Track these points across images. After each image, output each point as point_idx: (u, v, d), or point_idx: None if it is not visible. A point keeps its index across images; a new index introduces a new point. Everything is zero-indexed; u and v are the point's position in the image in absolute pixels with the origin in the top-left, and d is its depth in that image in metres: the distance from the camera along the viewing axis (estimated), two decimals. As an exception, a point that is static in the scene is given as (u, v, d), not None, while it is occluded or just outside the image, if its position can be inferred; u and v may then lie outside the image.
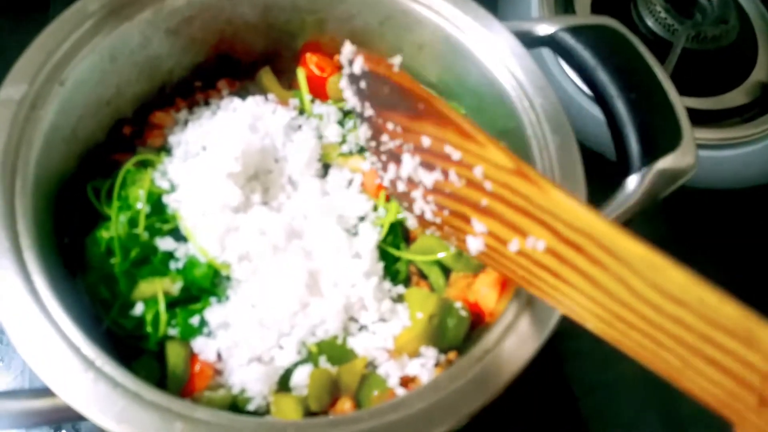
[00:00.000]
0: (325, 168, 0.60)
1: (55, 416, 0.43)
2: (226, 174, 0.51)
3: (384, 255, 0.56)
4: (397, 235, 0.57)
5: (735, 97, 0.85)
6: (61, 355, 0.41)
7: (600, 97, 0.56)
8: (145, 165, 0.54)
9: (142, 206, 0.51)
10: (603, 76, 0.56)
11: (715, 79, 0.85)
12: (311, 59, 0.62)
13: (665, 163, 0.53)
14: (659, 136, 0.55)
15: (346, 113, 0.62)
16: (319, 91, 0.62)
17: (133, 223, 0.50)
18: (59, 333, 0.42)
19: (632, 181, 0.53)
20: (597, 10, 0.87)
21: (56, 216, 0.51)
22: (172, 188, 0.53)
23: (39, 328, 0.42)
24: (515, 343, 0.44)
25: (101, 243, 0.50)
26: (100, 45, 0.51)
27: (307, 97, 0.61)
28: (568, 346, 0.73)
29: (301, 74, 0.61)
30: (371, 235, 0.54)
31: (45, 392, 0.42)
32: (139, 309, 0.50)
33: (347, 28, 0.60)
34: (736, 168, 0.82)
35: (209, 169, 0.51)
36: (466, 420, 0.42)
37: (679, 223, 0.82)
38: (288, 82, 0.63)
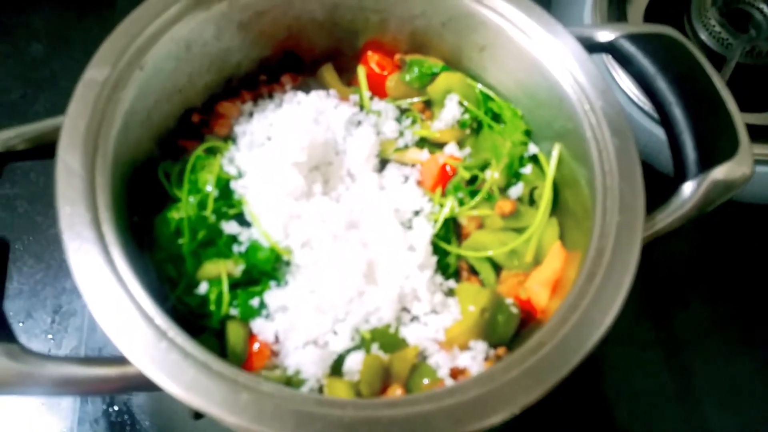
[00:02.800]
0: (382, 164, 0.61)
1: (123, 384, 0.45)
2: (291, 163, 0.53)
3: (436, 249, 0.57)
4: (449, 230, 0.58)
5: (788, 114, 0.84)
6: (135, 325, 0.43)
7: (658, 105, 0.57)
8: (213, 152, 0.57)
9: (211, 189, 0.53)
10: (662, 84, 0.56)
11: (768, 94, 0.85)
12: (372, 57, 0.64)
13: (721, 171, 0.53)
14: (716, 145, 0.55)
15: (404, 111, 0.64)
16: (378, 89, 0.64)
17: (201, 205, 0.53)
18: (134, 303, 0.44)
19: (688, 188, 0.54)
20: (650, 21, 0.87)
21: (128, 195, 0.54)
22: (240, 175, 0.56)
23: (115, 296, 0.43)
24: (570, 339, 0.44)
25: (171, 223, 0.52)
26: (178, 34, 0.54)
27: (366, 93, 0.63)
28: (606, 352, 0.74)
29: (361, 72, 0.64)
30: (426, 230, 0.56)
31: (116, 360, 0.44)
32: (203, 288, 0.52)
33: (409, 27, 0.62)
34: (786, 185, 0.81)
35: (276, 157, 0.54)
36: (519, 411, 0.43)
37: (723, 237, 0.82)
38: (348, 79, 0.65)
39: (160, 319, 0.43)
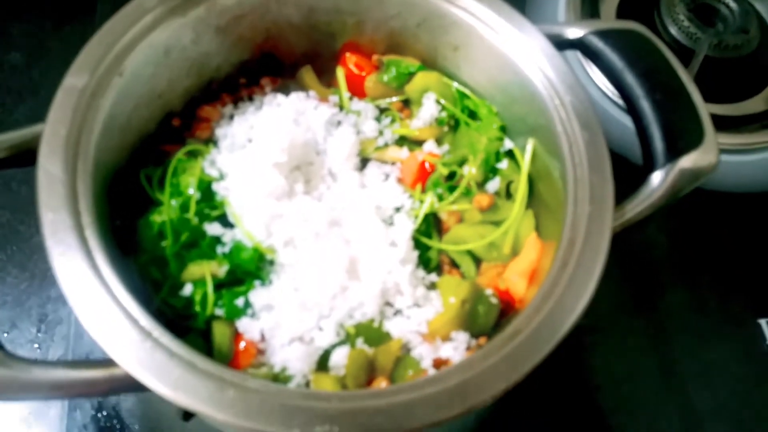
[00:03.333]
0: (363, 162, 0.63)
1: (111, 386, 0.45)
2: (272, 164, 0.54)
3: (417, 244, 0.58)
4: (430, 225, 0.60)
5: (754, 104, 0.87)
6: (120, 327, 0.43)
7: (627, 98, 0.59)
8: (194, 155, 0.57)
9: (193, 192, 0.54)
10: (630, 78, 0.58)
11: (735, 86, 0.87)
12: (350, 59, 0.65)
13: (688, 160, 0.55)
14: (683, 135, 0.56)
15: (383, 110, 0.66)
16: (356, 89, 0.65)
17: (184, 208, 0.54)
18: (118, 305, 0.44)
19: (656, 177, 0.55)
20: (621, 17, 0.89)
21: (109, 200, 0.54)
22: (221, 177, 0.56)
23: (100, 300, 0.44)
24: (545, 326, 0.46)
25: (154, 226, 0.53)
26: (156, 40, 0.54)
27: (345, 94, 0.64)
28: (590, 339, 0.76)
29: (340, 73, 0.65)
30: (407, 225, 0.57)
31: (103, 363, 0.45)
32: (188, 290, 0.52)
33: (385, 29, 0.63)
34: (754, 172, 0.84)
35: (257, 159, 0.55)
36: (499, 395, 0.44)
37: (698, 225, 0.84)
38: (327, 80, 0.66)
39: (145, 320, 0.44)
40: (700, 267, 0.82)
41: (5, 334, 0.76)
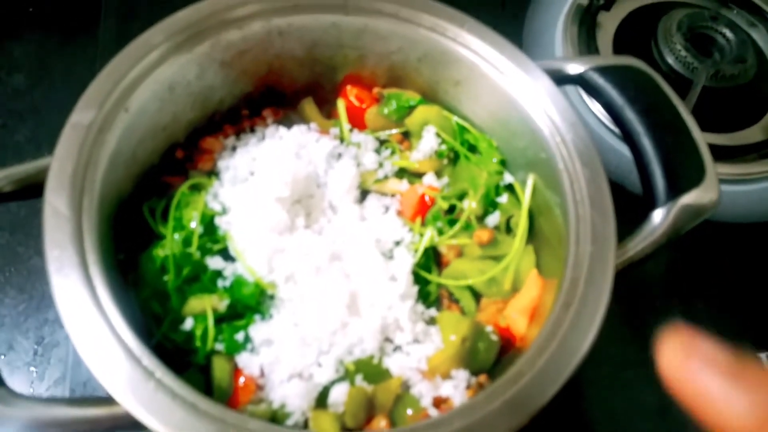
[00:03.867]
0: (363, 195, 0.63)
1: (112, 424, 0.45)
2: (274, 198, 0.54)
3: (417, 278, 0.58)
4: (430, 259, 0.60)
5: (752, 134, 0.87)
6: (123, 366, 0.43)
7: (627, 135, 0.59)
8: (197, 188, 0.58)
9: (195, 226, 0.54)
10: (630, 115, 0.59)
11: (733, 115, 0.88)
12: (351, 91, 0.66)
13: (689, 198, 0.55)
14: (684, 173, 0.57)
15: (382, 142, 0.66)
16: (357, 121, 0.66)
17: (186, 242, 0.54)
18: (122, 345, 0.44)
19: (658, 215, 0.56)
20: (619, 48, 0.90)
21: (114, 234, 0.54)
22: (224, 210, 0.56)
23: (104, 339, 0.44)
24: (549, 367, 0.46)
25: (156, 260, 0.53)
26: (162, 75, 0.55)
27: (346, 126, 0.65)
28: (586, 372, 0.75)
29: (341, 105, 0.65)
30: (407, 259, 0.57)
31: (104, 401, 0.45)
32: (188, 324, 0.52)
33: (386, 63, 0.64)
34: (752, 202, 0.84)
35: (259, 193, 0.55)
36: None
37: (695, 255, 0.84)
38: (328, 112, 0.67)
39: (148, 359, 0.44)
40: (697, 298, 0.82)
41: (2, 357, 0.75)
